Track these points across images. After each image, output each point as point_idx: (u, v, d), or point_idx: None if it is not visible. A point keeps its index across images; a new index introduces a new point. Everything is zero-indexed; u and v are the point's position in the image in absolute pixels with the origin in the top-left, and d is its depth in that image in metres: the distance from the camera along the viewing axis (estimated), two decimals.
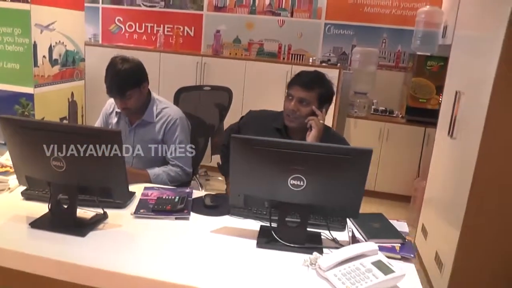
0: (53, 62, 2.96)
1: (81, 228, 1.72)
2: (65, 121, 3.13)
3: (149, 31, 5.72)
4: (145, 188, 2.19)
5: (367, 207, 4.36)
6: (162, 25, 5.66)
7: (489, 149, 2.43)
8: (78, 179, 1.72)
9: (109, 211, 1.86)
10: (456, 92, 2.91)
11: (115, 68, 2.38)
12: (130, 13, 5.75)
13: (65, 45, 3.09)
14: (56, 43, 2.98)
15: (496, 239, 2.52)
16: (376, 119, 4.67)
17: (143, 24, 5.72)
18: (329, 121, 4.24)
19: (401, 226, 1.93)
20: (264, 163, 1.69)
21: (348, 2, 5.04)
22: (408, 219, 3.34)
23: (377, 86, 4.95)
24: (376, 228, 1.85)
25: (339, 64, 4.86)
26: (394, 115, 4.81)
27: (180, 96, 3.93)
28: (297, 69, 4.69)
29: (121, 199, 1.92)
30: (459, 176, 2.74)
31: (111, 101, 2.63)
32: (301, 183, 1.64)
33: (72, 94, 3.23)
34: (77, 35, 3.23)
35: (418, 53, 4.50)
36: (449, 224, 2.76)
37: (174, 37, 5.41)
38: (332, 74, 4.05)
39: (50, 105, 2.96)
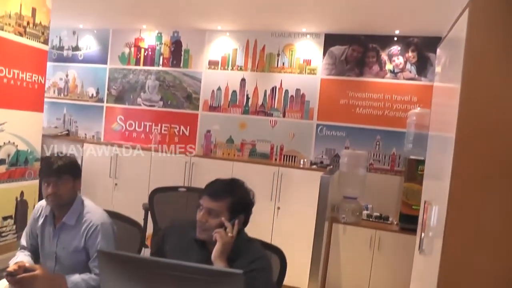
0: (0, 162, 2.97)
1: None
2: (9, 220, 3.06)
3: (147, 130, 5.77)
4: None
5: None
6: (159, 124, 5.72)
7: (450, 259, 2.12)
8: None
9: None
10: (425, 203, 2.65)
11: (53, 157, 2.39)
12: (131, 112, 5.89)
13: (16, 145, 3.11)
14: (4, 143, 3.01)
15: None
16: (367, 226, 4.35)
17: (142, 123, 5.81)
18: (307, 227, 3.99)
19: None
20: (131, 281, 1.49)
21: (339, 103, 4.95)
22: None
23: (372, 190, 4.69)
24: None
25: (331, 166, 4.68)
26: (389, 221, 4.48)
27: (155, 197, 3.80)
28: (284, 171, 4.66)
29: None
30: None
31: (39, 204, 2.56)
32: None
33: (22, 193, 3.19)
34: (32, 136, 3.26)
35: (411, 156, 4.26)
36: None
37: (168, 136, 5.43)
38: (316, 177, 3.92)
39: None
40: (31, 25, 3.18)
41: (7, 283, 2.08)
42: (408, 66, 4.80)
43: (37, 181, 3.26)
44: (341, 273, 4.37)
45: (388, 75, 4.86)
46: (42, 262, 2.47)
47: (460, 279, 2.11)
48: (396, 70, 4.84)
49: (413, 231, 4.01)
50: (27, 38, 3.15)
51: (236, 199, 2.03)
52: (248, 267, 1.88)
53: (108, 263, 1.53)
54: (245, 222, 2.10)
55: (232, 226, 1.98)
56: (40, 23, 3.28)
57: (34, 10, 3.22)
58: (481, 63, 2.06)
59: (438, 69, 3.19)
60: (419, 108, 4.46)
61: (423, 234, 2.62)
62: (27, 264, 2.20)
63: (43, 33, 3.31)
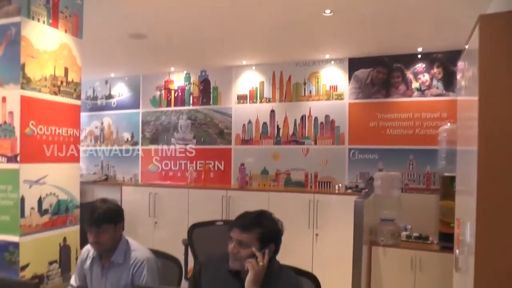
0: (43, 212, 3.17)
1: None
2: (55, 265, 3.22)
3: (182, 168, 5.92)
4: None
5: None
6: (194, 161, 5.85)
7: (484, 275, 2.09)
8: None
9: None
10: (456, 219, 2.63)
11: (95, 205, 2.52)
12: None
13: (57, 196, 3.31)
14: (46, 194, 3.21)
15: None
16: (407, 247, 4.28)
17: (177, 162, 5.95)
18: (347, 252, 3.96)
19: None
20: None
21: (369, 126, 4.97)
22: None
23: (409, 210, 4.63)
24: None
25: (366, 190, 4.67)
26: (429, 241, 4.40)
27: (194, 232, 3.89)
28: (320, 197, 4.68)
29: None
30: None
31: (86, 248, 2.70)
32: None
33: (65, 239, 3.36)
34: (71, 185, 3.46)
35: (445, 174, 4.21)
36: None
37: (203, 172, 5.56)
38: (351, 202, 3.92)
39: (38, 251, 3.12)
40: (64, 84, 3.39)
41: None
42: (435, 82, 4.79)
43: (77, 227, 3.43)
44: None
45: (415, 93, 4.86)
46: None
47: None
48: (423, 88, 4.84)
49: (453, 249, 3.94)
50: (62, 96, 3.37)
51: (264, 229, 2.09)
52: None
53: None
54: (275, 251, 2.15)
55: (263, 255, 2.03)
56: (72, 80, 3.49)
57: (66, 70, 3.44)
58: (495, 73, 2.08)
59: (460, 82, 3.19)
60: (449, 124, 4.41)
61: (457, 252, 2.58)
62: None
63: (75, 90, 3.52)
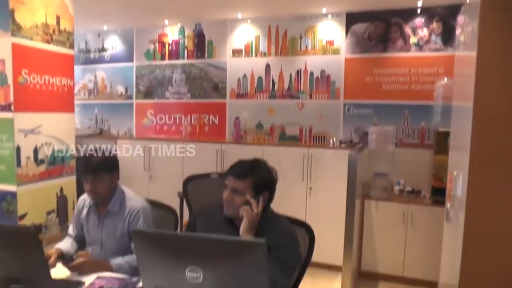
0: (39, 162, 3.18)
1: None
2: (53, 215, 3.26)
3: (177, 122, 5.90)
4: (97, 278, 2.23)
5: None
6: (189, 115, 5.83)
7: (474, 228, 2.13)
8: None
9: None
10: (449, 172, 2.65)
11: (92, 154, 2.54)
12: (161, 106, 6.02)
13: (53, 146, 3.31)
14: (42, 144, 3.21)
15: None
16: (399, 201, 4.36)
17: (172, 116, 5.93)
18: (340, 205, 4.02)
19: None
20: (163, 256, 1.61)
21: (365, 81, 4.94)
22: None
23: (403, 165, 4.68)
24: None
25: (361, 144, 4.68)
26: (421, 196, 4.46)
27: (188, 185, 3.91)
28: (314, 152, 4.69)
29: None
30: (453, 259, 2.41)
31: (82, 197, 2.74)
32: (198, 276, 1.52)
33: (62, 189, 3.39)
34: (66, 135, 3.45)
35: (439, 129, 4.23)
36: None
37: (198, 126, 5.55)
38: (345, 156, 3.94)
39: (35, 200, 3.14)
40: (56, 32, 3.34)
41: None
42: (433, 37, 4.73)
43: (74, 177, 3.47)
44: (376, 248, 4.40)
45: (413, 48, 4.81)
46: (89, 248, 2.64)
47: (483, 247, 2.12)
48: (421, 43, 4.78)
49: (444, 203, 4.00)
50: (54, 45, 3.32)
51: (259, 177, 2.11)
52: (275, 241, 1.95)
53: (142, 241, 1.64)
54: (270, 199, 2.17)
55: (257, 203, 2.06)
56: (65, 29, 3.43)
57: (58, 18, 3.37)
58: (495, 28, 2.05)
59: (459, 37, 3.16)
60: (446, 79, 4.40)
61: (448, 205, 2.62)
62: (62, 249, 2.51)
63: (68, 39, 3.47)
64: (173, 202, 3.22)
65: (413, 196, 4.48)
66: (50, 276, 1.87)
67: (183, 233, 1.83)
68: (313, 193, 4.68)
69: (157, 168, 5.43)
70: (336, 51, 5.12)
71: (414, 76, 4.77)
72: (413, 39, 4.81)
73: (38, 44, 3.13)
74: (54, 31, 3.26)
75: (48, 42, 3.21)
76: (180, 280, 1.54)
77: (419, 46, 4.78)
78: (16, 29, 2.96)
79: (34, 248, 1.77)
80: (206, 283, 1.51)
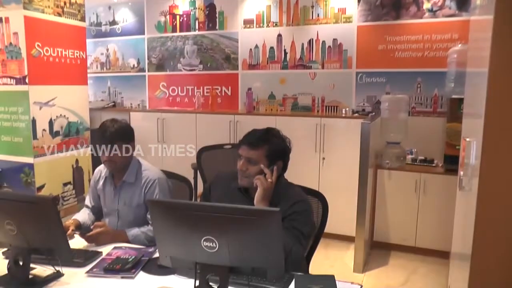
0: (54, 134, 3.23)
1: (34, 286, 1.85)
2: (69, 186, 3.32)
3: (190, 94, 5.91)
4: (113, 248, 2.26)
5: (409, 264, 4.05)
6: (201, 87, 5.84)
7: (487, 195, 2.12)
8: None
9: (69, 270, 1.97)
10: (462, 139, 2.63)
11: (106, 124, 2.56)
12: (173, 78, 6.02)
13: (67, 118, 3.35)
14: (57, 116, 3.25)
15: None
16: (412, 170, 4.35)
17: (184, 87, 5.95)
18: (353, 175, 4.03)
19: None
20: (179, 226, 1.66)
21: (377, 49, 4.88)
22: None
23: (415, 134, 4.66)
24: None
25: (373, 113, 4.67)
26: (434, 164, 4.45)
27: (202, 156, 3.95)
28: (327, 121, 4.68)
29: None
30: (465, 227, 2.43)
31: (98, 169, 2.78)
32: (214, 245, 1.57)
33: (77, 161, 3.44)
34: (81, 107, 3.49)
35: (453, 96, 4.19)
36: (463, 281, 2.41)
37: (210, 97, 5.56)
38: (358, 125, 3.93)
39: (52, 172, 3.19)
40: (67, 4, 3.34)
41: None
42: (448, 2, 4.63)
43: (89, 149, 3.51)
44: (388, 217, 4.43)
45: (427, 14, 4.72)
46: (106, 219, 2.70)
47: (497, 215, 2.12)
48: (434, 8, 4.69)
49: (458, 171, 3.98)
50: (66, 17, 3.32)
51: (272, 146, 2.12)
52: (289, 210, 1.99)
53: (158, 210, 1.67)
54: (284, 168, 2.19)
55: (271, 172, 2.07)
56: (76, 1, 3.43)
57: None
58: None
59: (475, 1, 3.09)
60: (460, 45, 4.33)
61: (461, 173, 2.61)
62: (79, 220, 2.58)
63: (79, 11, 3.47)
64: (188, 173, 3.27)
65: (425, 164, 4.46)
66: (68, 246, 1.92)
67: (199, 203, 1.87)
68: (326, 163, 4.69)
69: (171, 140, 5.47)
70: (348, 19, 5.05)
71: (427, 43, 4.69)
72: (426, 5, 4.71)
73: (49, 16, 3.14)
74: (65, 3, 3.27)
75: (59, 14, 3.22)
76: (196, 248, 1.58)
77: (432, 12, 4.69)
78: (28, 1, 2.97)
79: (52, 217, 1.81)
80: (222, 252, 1.55)
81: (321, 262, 4.04)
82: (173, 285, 1.84)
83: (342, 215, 4.20)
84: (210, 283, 1.63)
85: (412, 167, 4.42)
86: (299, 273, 1.86)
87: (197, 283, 1.65)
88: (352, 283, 1.79)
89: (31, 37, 3.02)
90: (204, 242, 1.56)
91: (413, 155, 4.60)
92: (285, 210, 1.97)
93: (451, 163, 4.07)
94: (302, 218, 2.02)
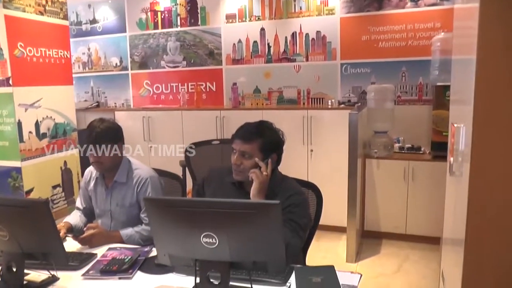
0: (41, 136, 3.17)
1: None
2: (58, 188, 3.28)
3: (174, 91, 5.87)
4: (108, 249, 2.24)
5: (400, 252, 4.08)
6: (186, 84, 5.80)
7: (479, 179, 2.14)
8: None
9: (64, 273, 1.95)
10: (451, 125, 2.65)
11: (93, 124, 2.52)
12: (156, 76, 5.97)
13: (54, 119, 3.29)
14: (43, 118, 3.19)
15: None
16: (400, 158, 4.39)
17: (169, 85, 5.90)
18: (342, 166, 4.05)
19: (352, 279, 1.72)
20: (177, 223, 1.64)
21: (361, 40, 4.90)
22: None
23: (402, 122, 4.70)
24: (316, 282, 1.67)
25: (359, 104, 4.69)
26: (421, 151, 4.49)
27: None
28: (313, 113, 4.69)
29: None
30: (457, 212, 2.45)
31: (88, 169, 2.74)
32: (214, 241, 1.56)
33: (65, 162, 3.39)
34: (67, 108, 3.43)
35: (438, 83, 4.23)
36: (456, 266, 2.43)
37: (195, 94, 5.53)
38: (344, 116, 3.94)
39: (40, 175, 3.14)
40: (49, 3, 3.27)
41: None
42: None
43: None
44: (379, 206, 4.46)
45: (409, 4, 4.74)
46: (98, 220, 2.67)
47: (489, 197, 2.13)
48: None
49: (445, 157, 3.99)
50: (48, 16, 3.26)
51: (266, 139, 2.11)
52: (285, 202, 1.98)
53: (155, 208, 1.65)
54: (278, 161, 2.19)
55: (266, 165, 2.07)
56: None
57: None
58: None
59: None
60: (443, 33, 4.37)
61: (452, 160, 2.63)
62: (71, 223, 2.55)
63: (61, 9, 3.41)
64: (176, 170, 3.24)
65: (413, 152, 4.51)
66: (64, 249, 1.88)
67: (198, 199, 1.85)
68: (314, 155, 4.71)
69: (158, 138, 5.43)
70: (331, 11, 5.05)
71: (410, 32, 4.73)
72: None
73: (31, 15, 3.08)
74: (46, 1, 3.20)
75: (41, 13, 3.16)
76: (196, 245, 1.57)
77: (414, 2, 4.72)
78: (8, 0, 2.90)
79: (46, 221, 1.78)
80: (222, 247, 1.54)
81: (314, 253, 4.02)
82: (172, 283, 1.83)
83: (332, 206, 4.19)
84: (211, 280, 1.62)
85: (400, 155, 4.46)
86: (298, 266, 1.86)
87: (198, 280, 1.64)
88: (352, 272, 1.80)
89: (13, 37, 2.96)
90: (204, 239, 1.55)
91: (401, 144, 4.64)
92: (282, 203, 1.96)
93: (439, 149, 4.12)
94: (299, 210, 2.02)
